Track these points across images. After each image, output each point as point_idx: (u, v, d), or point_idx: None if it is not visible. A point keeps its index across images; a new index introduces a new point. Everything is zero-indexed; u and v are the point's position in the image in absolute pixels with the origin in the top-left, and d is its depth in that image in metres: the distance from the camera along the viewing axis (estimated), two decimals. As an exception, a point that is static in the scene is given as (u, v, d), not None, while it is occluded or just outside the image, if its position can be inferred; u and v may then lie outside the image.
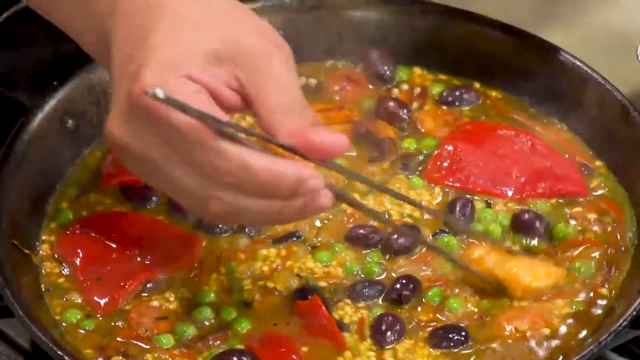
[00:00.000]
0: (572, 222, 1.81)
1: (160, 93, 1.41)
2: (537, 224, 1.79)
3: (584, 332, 1.69)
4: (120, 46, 1.53)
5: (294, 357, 1.65)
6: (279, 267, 1.76)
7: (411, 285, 1.73)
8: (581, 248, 1.77)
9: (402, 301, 1.73)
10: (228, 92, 1.51)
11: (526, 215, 1.80)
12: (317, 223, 1.81)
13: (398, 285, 1.73)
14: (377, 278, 1.76)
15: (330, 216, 1.82)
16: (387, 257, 1.78)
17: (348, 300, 1.73)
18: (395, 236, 1.78)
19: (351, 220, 1.83)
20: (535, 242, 1.78)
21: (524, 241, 1.79)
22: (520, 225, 1.80)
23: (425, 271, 1.76)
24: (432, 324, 1.71)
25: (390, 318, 1.70)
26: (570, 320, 1.70)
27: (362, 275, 1.76)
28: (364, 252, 1.79)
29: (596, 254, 1.77)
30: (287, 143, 1.50)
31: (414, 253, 1.78)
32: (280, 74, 1.52)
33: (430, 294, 1.73)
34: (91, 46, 1.64)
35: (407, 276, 1.75)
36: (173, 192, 1.54)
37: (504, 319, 1.70)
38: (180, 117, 1.45)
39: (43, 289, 1.75)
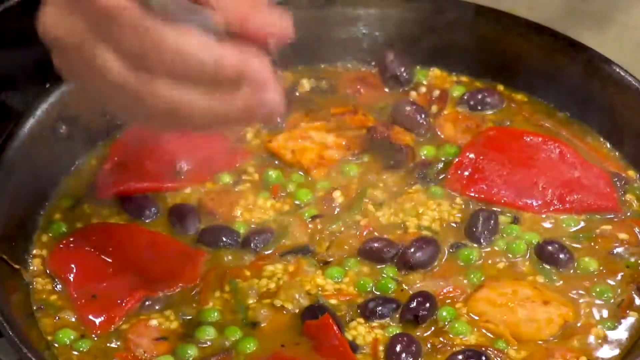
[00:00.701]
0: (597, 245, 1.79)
1: None
2: (561, 257, 1.76)
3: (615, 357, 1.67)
4: None
5: (303, 381, 1.64)
6: (287, 284, 1.72)
7: (428, 304, 1.69)
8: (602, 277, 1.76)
9: (419, 321, 1.68)
10: None
11: (550, 247, 1.76)
12: (328, 236, 1.79)
13: (414, 304, 1.69)
14: (392, 295, 1.72)
15: (342, 229, 1.79)
16: (403, 272, 1.74)
17: (361, 319, 1.70)
18: (412, 250, 1.75)
19: (365, 234, 1.79)
20: (554, 276, 1.75)
21: (544, 268, 1.76)
22: (543, 256, 1.77)
23: (443, 286, 1.73)
24: (449, 346, 1.67)
25: (405, 339, 1.66)
26: (600, 348, 1.68)
27: (376, 292, 1.73)
28: (378, 267, 1.75)
29: (621, 277, 1.75)
30: (222, 22, 1.42)
31: (431, 268, 1.75)
32: None
33: (444, 313, 1.69)
34: None
35: (423, 293, 1.70)
36: (108, 91, 1.46)
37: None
38: None
39: (34, 307, 1.72)
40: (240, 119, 1.46)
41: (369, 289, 1.72)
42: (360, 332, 1.67)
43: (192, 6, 1.42)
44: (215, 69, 1.41)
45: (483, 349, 1.65)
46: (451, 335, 1.66)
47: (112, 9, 1.40)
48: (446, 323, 1.67)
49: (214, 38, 1.41)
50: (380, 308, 1.69)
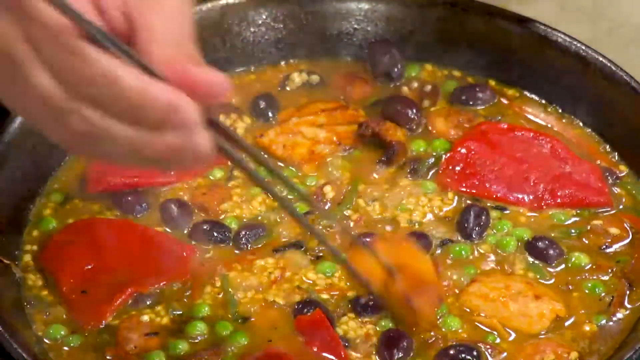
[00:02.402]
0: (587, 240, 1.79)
1: None
2: (551, 253, 1.75)
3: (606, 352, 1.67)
4: None
5: (294, 376, 1.64)
6: (278, 279, 1.72)
7: (419, 299, 1.69)
8: (594, 275, 1.75)
9: (410, 318, 1.69)
10: (113, 9, 1.40)
11: (540, 243, 1.76)
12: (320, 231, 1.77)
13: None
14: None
15: (334, 224, 1.78)
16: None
17: (352, 314, 1.69)
18: (404, 245, 1.75)
19: (356, 228, 1.78)
20: (545, 272, 1.75)
21: (534, 264, 1.75)
22: (533, 252, 1.77)
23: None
24: (440, 340, 1.67)
25: (397, 334, 1.65)
26: (592, 343, 1.68)
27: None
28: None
29: (612, 272, 1.75)
30: (160, 72, 1.37)
31: (424, 262, 1.75)
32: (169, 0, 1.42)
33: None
34: None
35: (415, 288, 1.70)
36: (31, 104, 1.41)
37: (523, 356, 1.66)
38: (49, 11, 1.35)
39: (24, 303, 1.71)
40: (165, 159, 1.40)
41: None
42: (352, 327, 1.67)
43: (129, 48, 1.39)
44: (143, 105, 1.36)
45: (475, 342, 1.65)
46: (443, 330, 1.66)
47: (51, 24, 1.35)
48: (438, 318, 1.67)
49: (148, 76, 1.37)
50: (372, 303, 1.68)
